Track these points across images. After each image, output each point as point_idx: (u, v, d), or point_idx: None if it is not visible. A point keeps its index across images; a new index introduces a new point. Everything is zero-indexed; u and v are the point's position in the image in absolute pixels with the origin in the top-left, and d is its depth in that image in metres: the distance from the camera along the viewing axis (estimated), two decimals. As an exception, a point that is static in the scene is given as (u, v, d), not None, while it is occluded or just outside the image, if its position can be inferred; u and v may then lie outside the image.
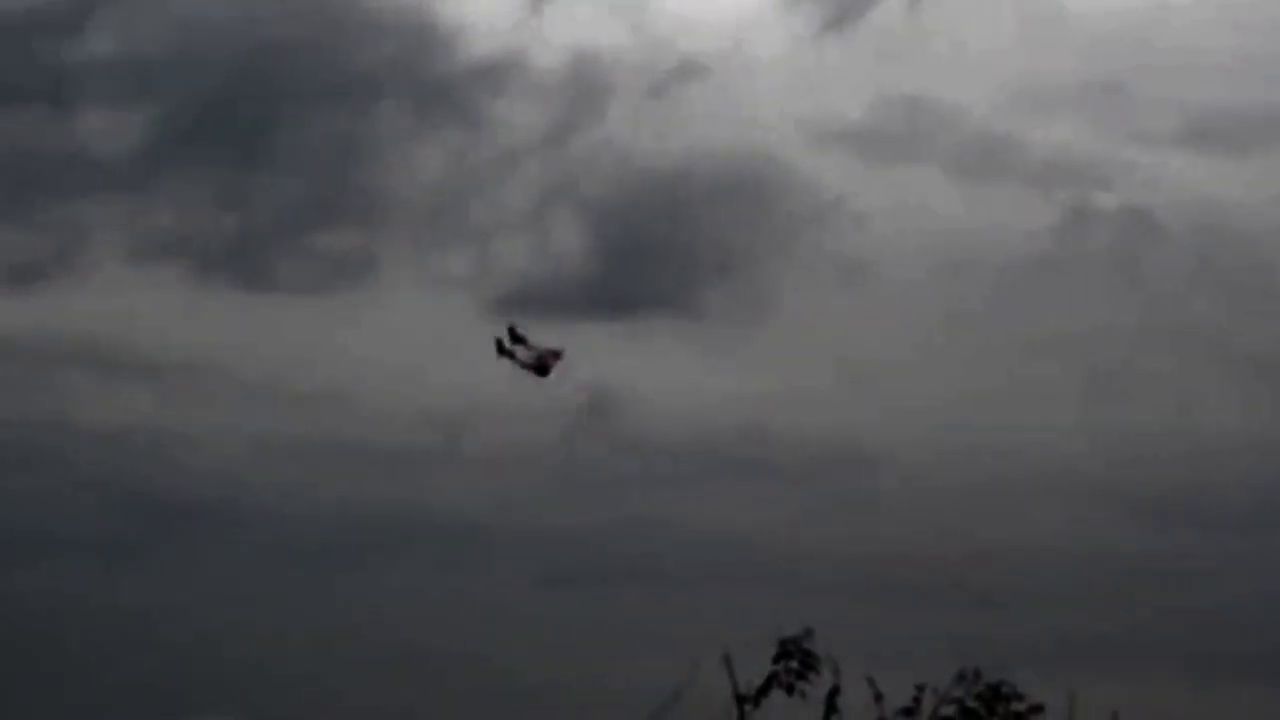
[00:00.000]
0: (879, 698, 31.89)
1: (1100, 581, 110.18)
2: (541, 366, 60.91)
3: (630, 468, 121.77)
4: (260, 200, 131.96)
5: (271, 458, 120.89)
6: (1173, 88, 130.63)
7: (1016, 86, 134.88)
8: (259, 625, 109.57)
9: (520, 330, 60.00)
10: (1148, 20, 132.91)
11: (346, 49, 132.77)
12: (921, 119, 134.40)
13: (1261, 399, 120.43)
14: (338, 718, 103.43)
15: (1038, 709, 31.32)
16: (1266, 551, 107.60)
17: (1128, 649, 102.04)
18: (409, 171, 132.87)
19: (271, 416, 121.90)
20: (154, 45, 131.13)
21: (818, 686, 32.55)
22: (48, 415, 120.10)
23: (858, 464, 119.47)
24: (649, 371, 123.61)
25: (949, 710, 31.60)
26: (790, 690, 32.69)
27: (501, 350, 59.77)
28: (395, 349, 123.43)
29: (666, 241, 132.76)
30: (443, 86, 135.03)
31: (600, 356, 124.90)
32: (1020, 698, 31.37)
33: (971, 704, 31.55)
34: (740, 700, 32.63)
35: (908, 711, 31.58)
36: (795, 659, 32.65)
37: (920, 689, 31.97)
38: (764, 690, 32.85)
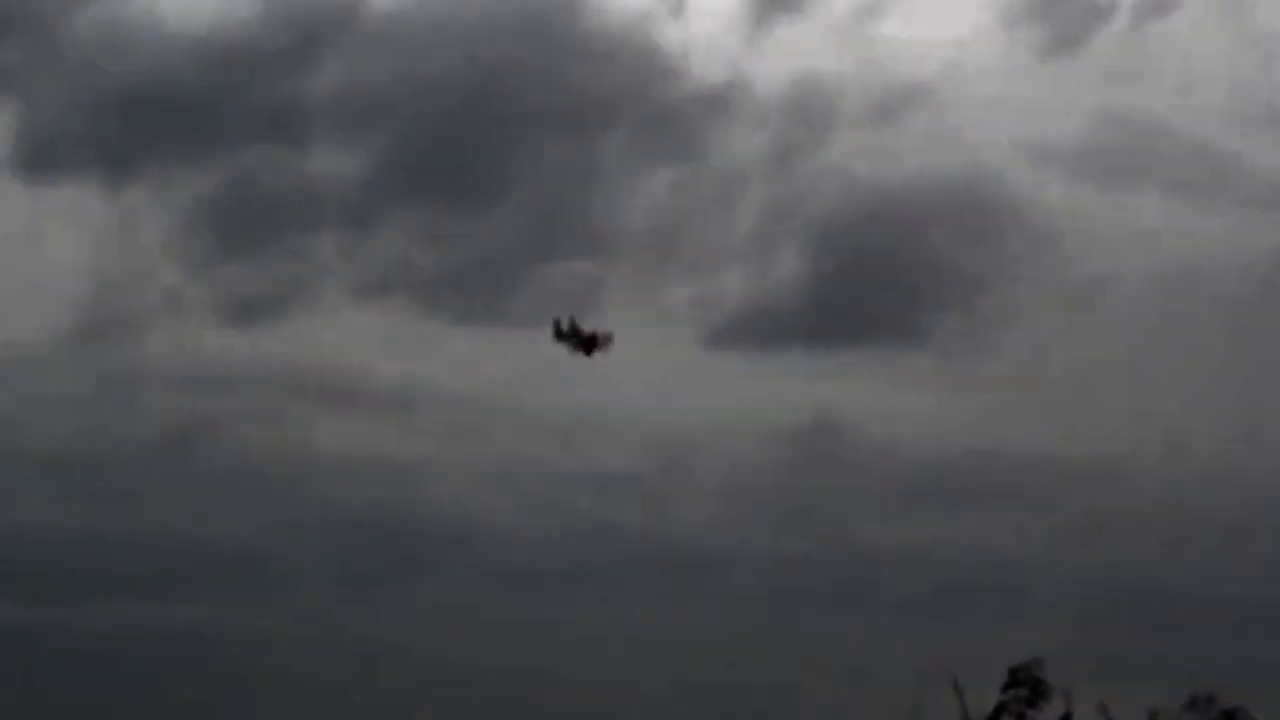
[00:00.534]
0: (1110, 725, 31.74)
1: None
2: (589, 345, 72.59)
3: (854, 493, 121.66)
4: (485, 232, 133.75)
5: (501, 486, 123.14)
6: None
7: (1240, 107, 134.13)
8: (489, 651, 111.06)
9: (577, 323, 72.93)
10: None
11: (571, 78, 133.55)
12: (1144, 140, 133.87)
13: None
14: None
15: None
16: None
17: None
18: (633, 201, 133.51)
19: (499, 446, 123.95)
20: (379, 79, 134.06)
21: (1048, 714, 32.43)
22: (279, 447, 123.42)
23: (1090, 486, 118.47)
24: (873, 398, 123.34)
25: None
26: (1020, 718, 32.57)
27: (558, 334, 72.56)
28: (621, 378, 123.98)
29: (889, 267, 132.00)
30: (666, 115, 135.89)
31: (824, 384, 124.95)
32: (1256, 725, 31.07)
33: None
34: (969, 725, 32.59)
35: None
36: (1025, 687, 32.52)
37: (1153, 716, 31.74)
38: (994, 718, 32.79)
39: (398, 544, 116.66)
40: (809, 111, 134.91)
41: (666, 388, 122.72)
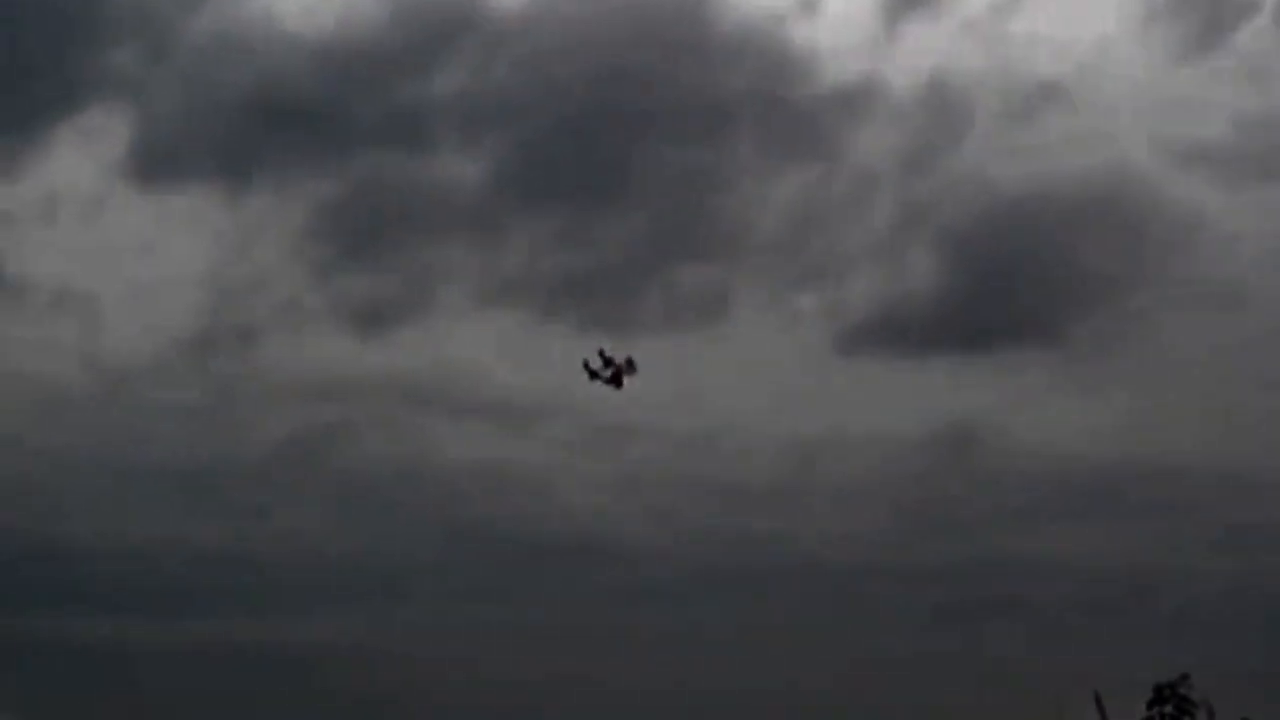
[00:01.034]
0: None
1: None
2: (617, 379, 73.16)
3: (992, 502, 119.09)
4: (612, 237, 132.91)
5: (624, 494, 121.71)
6: None
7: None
8: (614, 660, 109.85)
9: (607, 353, 72.70)
10: None
11: (699, 79, 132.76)
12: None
13: None
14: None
15: None
16: None
17: None
18: (763, 204, 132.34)
19: (624, 454, 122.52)
20: (504, 81, 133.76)
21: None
22: (404, 456, 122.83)
23: (1234, 495, 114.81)
24: (1011, 404, 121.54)
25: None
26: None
27: (592, 374, 72.79)
28: (751, 385, 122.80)
29: (1026, 270, 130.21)
30: (797, 115, 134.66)
31: (960, 390, 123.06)
32: None
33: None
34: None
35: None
36: (1170, 704, 31.06)
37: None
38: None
39: (521, 554, 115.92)
40: (944, 111, 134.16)
41: (797, 394, 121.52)
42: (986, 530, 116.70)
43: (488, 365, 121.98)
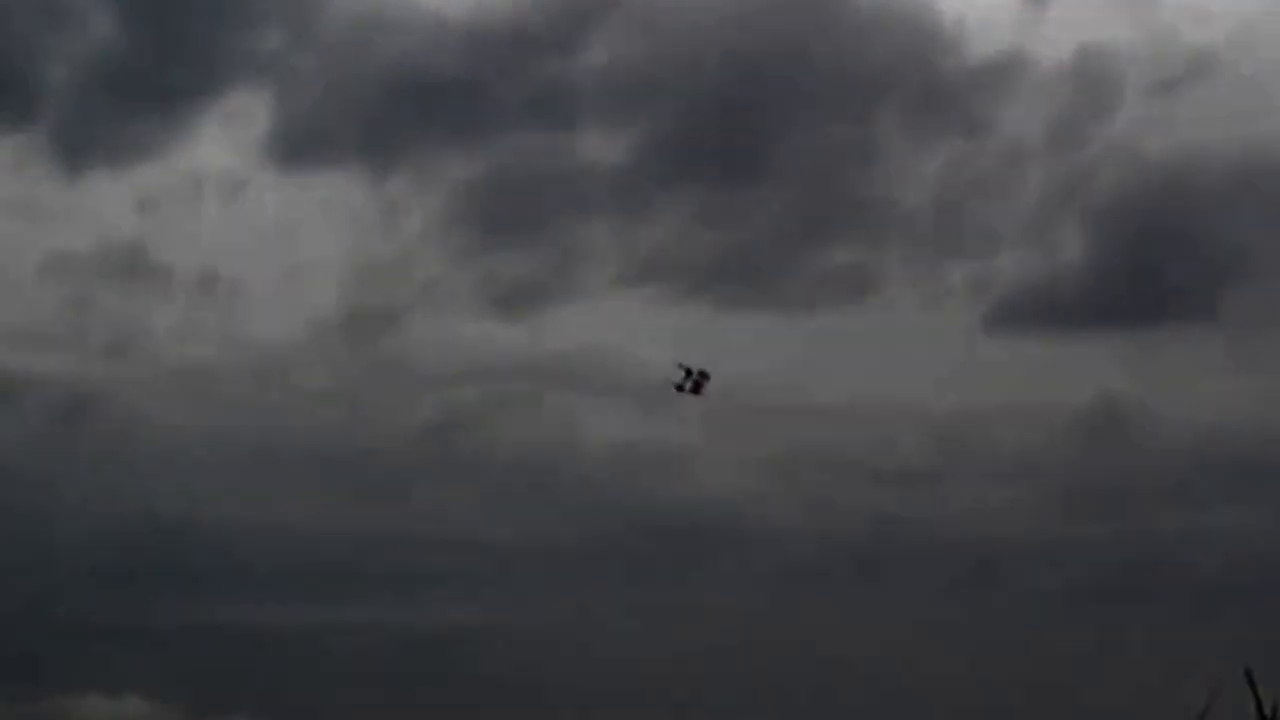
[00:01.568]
0: None
1: None
2: (698, 388, 78.58)
3: (1146, 480, 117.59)
4: (757, 214, 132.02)
5: (773, 476, 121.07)
6: None
7: None
8: (763, 646, 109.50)
9: (688, 366, 78.88)
10: None
11: (844, 53, 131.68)
12: None
13: None
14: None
15: None
16: None
17: None
18: (910, 180, 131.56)
19: (770, 435, 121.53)
20: (647, 59, 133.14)
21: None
22: (548, 438, 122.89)
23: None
24: (1163, 380, 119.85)
25: None
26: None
27: (679, 388, 78.89)
28: (899, 362, 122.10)
29: (1177, 244, 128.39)
30: (944, 90, 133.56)
31: (1111, 366, 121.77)
32: None
33: None
34: (1264, 718, 30.73)
35: None
36: None
37: None
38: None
39: (668, 536, 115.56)
40: (1093, 84, 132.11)
41: (946, 372, 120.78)
42: (1137, 508, 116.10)
43: (632, 344, 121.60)
